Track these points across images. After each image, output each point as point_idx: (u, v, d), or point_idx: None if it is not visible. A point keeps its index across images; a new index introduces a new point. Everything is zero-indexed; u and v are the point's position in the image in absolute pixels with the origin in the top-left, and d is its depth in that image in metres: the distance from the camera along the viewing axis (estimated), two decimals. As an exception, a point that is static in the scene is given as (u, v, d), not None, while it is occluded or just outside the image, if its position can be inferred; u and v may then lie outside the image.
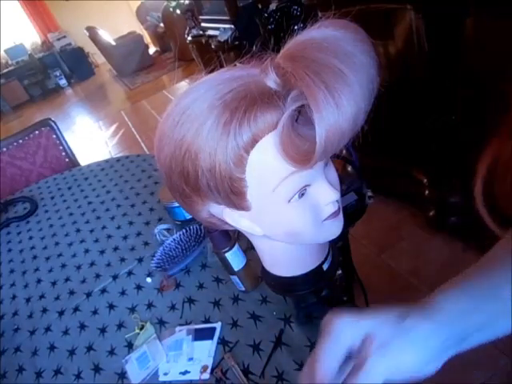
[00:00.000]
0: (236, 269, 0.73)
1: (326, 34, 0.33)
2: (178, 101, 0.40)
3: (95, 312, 0.89)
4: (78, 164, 1.75)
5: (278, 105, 0.35)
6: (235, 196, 0.39)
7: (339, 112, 0.31)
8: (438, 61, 1.29)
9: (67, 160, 1.75)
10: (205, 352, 0.70)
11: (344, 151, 0.99)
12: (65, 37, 7.25)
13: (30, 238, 1.27)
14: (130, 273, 0.96)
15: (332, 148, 0.33)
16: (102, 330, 0.84)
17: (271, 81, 0.35)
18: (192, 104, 0.38)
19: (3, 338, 0.92)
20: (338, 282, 0.73)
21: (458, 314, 0.32)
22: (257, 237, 0.48)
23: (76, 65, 7.24)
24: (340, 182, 0.45)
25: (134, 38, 6.32)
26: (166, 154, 0.40)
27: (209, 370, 0.67)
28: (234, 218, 0.43)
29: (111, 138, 4.14)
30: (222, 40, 3.02)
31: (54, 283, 1.03)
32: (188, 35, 3.98)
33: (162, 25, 5.96)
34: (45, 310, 0.95)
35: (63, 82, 7.34)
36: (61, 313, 0.92)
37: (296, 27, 0.38)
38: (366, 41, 0.33)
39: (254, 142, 0.36)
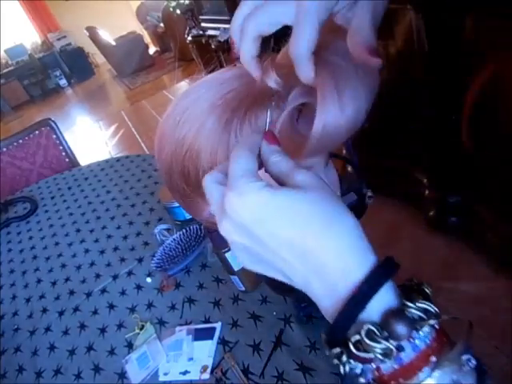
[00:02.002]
0: (236, 269, 0.73)
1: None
2: (179, 101, 0.40)
3: (95, 312, 0.89)
4: (78, 164, 1.75)
5: (278, 104, 0.35)
6: None
7: (342, 109, 0.30)
8: (437, 61, 1.29)
9: (67, 160, 1.75)
10: (205, 352, 0.70)
11: (344, 151, 0.99)
12: (65, 37, 7.25)
13: (30, 238, 1.27)
14: (130, 273, 0.96)
15: (329, 143, 0.32)
16: (102, 330, 0.84)
17: (271, 80, 0.35)
18: (193, 104, 0.38)
19: (3, 338, 0.92)
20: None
21: None
22: None
23: (76, 65, 7.24)
24: (340, 181, 0.45)
25: (134, 37, 6.31)
26: (167, 153, 0.40)
27: (209, 370, 0.67)
28: None
29: (111, 137, 4.14)
30: (222, 40, 3.02)
31: (54, 283, 1.03)
32: (188, 35, 3.98)
33: (162, 25, 5.96)
34: (45, 310, 0.95)
35: (63, 82, 7.34)
36: (61, 313, 0.92)
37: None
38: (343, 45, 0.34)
39: None
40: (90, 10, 7.15)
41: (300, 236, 0.25)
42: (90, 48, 6.96)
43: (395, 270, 0.25)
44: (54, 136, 1.73)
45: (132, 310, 0.86)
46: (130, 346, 0.78)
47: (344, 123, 0.31)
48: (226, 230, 0.28)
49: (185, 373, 0.68)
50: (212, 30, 3.37)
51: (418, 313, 0.24)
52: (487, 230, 1.39)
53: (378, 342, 0.23)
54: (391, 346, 0.23)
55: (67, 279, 1.02)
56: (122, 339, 0.80)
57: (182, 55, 5.37)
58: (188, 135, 0.37)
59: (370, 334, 0.23)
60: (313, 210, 0.25)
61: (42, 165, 1.72)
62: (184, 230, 0.96)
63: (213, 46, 3.25)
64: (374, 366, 0.24)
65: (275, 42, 0.38)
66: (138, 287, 0.91)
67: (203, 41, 3.61)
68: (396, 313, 0.24)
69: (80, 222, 1.24)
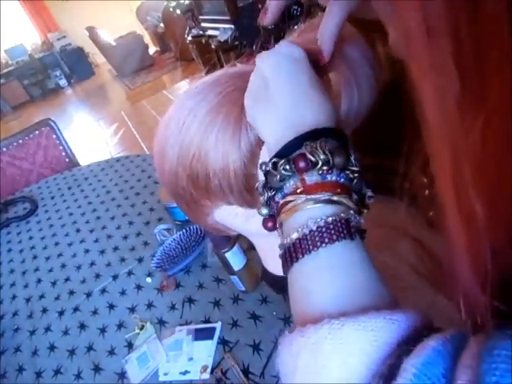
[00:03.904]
0: (236, 269, 0.73)
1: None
2: (182, 102, 0.39)
3: (95, 312, 0.89)
4: (78, 164, 1.75)
5: None
6: (248, 193, 0.38)
7: (360, 97, 0.34)
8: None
9: (67, 160, 1.75)
10: (205, 352, 0.70)
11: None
12: (65, 37, 7.25)
13: (30, 238, 1.27)
14: (129, 273, 0.96)
15: (348, 125, 0.36)
16: (102, 330, 0.84)
17: None
18: (198, 104, 0.37)
19: (3, 338, 0.92)
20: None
21: None
22: (259, 237, 0.47)
23: (76, 65, 7.24)
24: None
25: (134, 38, 6.32)
26: (171, 158, 0.39)
27: (209, 370, 0.67)
28: (244, 218, 0.42)
29: (111, 137, 4.14)
30: (222, 40, 3.02)
31: (54, 283, 1.03)
32: (188, 35, 3.99)
33: (162, 25, 5.96)
34: (45, 310, 0.95)
35: (63, 82, 7.34)
36: (61, 313, 0.93)
37: (296, 27, 0.39)
38: (361, 41, 0.35)
39: None
40: (89, 10, 7.15)
41: (298, 93, 0.31)
42: (90, 48, 6.96)
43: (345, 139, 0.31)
44: (54, 136, 1.73)
45: (132, 310, 0.86)
46: (130, 346, 0.78)
47: (362, 108, 0.35)
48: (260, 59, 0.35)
49: (185, 373, 0.68)
50: (212, 29, 3.37)
51: (356, 162, 0.31)
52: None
53: (325, 154, 0.29)
54: (330, 161, 0.29)
55: (67, 279, 1.02)
56: (121, 339, 0.80)
57: (182, 55, 5.36)
58: (195, 137, 0.36)
59: (322, 145, 0.29)
60: (311, 84, 0.32)
61: (42, 165, 1.72)
62: (184, 230, 0.96)
63: (213, 46, 3.25)
64: (301, 177, 0.30)
65: (275, 41, 0.38)
66: (138, 287, 0.91)
67: (203, 41, 3.61)
68: (344, 150, 0.30)
69: (80, 222, 1.24)
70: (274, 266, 0.54)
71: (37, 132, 1.70)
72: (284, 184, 0.30)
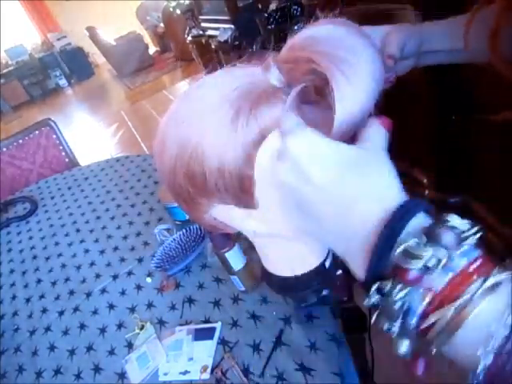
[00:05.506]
0: (236, 269, 0.73)
1: (327, 31, 0.34)
2: (181, 101, 0.40)
3: (95, 312, 0.89)
4: (78, 164, 1.75)
5: (283, 101, 0.35)
6: (244, 194, 0.38)
7: (352, 85, 0.32)
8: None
9: (67, 160, 1.75)
10: (205, 352, 0.70)
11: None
12: (65, 37, 7.25)
13: (30, 238, 1.27)
14: (130, 273, 0.96)
15: (349, 125, 0.34)
16: (102, 330, 0.84)
17: (274, 78, 0.36)
18: (196, 104, 0.38)
19: (3, 338, 0.92)
20: (338, 282, 0.73)
21: None
22: (257, 236, 0.47)
23: (76, 65, 7.24)
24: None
25: (134, 38, 6.32)
26: (170, 156, 0.39)
27: (209, 370, 0.67)
28: (241, 218, 0.42)
29: (111, 138, 4.14)
30: (222, 40, 3.02)
31: (54, 283, 1.03)
32: (188, 35, 3.99)
33: (162, 25, 5.96)
34: (45, 310, 0.95)
35: (63, 81, 7.34)
36: (61, 313, 0.92)
37: (296, 27, 0.39)
38: (365, 35, 0.35)
39: (262, 138, 0.36)
40: (90, 10, 7.15)
41: (350, 182, 0.28)
42: (90, 48, 6.96)
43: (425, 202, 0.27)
44: (54, 136, 1.73)
45: (132, 309, 0.86)
46: (129, 346, 0.78)
47: (358, 100, 0.33)
48: (280, 171, 0.31)
49: (185, 373, 0.68)
50: (212, 29, 3.37)
51: (465, 222, 0.24)
52: (487, 230, 1.39)
53: (425, 247, 0.23)
54: (443, 250, 0.22)
55: (67, 279, 1.02)
56: (122, 339, 0.80)
57: (182, 55, 5.37)
58: (193, 135, 0.37)
59: (413, 244, 0.23)
60: (371, 164, 0.29)
61: (42, 165, 1.72)
62: (184, 230, 0.96)
63: (213, 46, 3.25)
64: (423, 288, 0.23)
65: (275, 41, 0.38)
66: (138, 287, 0.91)
67: (203, 41, 3.61)
68: (439, 221, 0.24)
69: (80, 222, 1.24)
70: (274, 266, 0.54)
71: (37, 132, 1.71)
72: (408, 306, 0.24)
